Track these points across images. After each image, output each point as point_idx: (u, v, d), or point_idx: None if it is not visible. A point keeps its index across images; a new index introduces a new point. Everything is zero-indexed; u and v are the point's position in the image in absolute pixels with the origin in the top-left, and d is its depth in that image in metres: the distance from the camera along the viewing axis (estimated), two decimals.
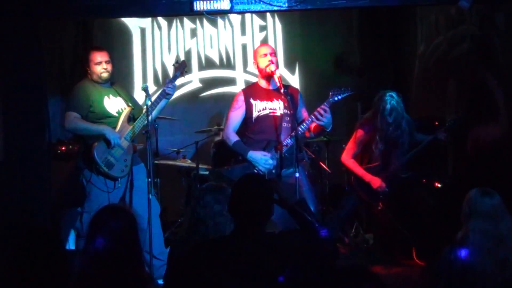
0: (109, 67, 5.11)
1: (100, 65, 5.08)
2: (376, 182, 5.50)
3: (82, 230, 4.98)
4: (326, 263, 3.07)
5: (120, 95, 5.18)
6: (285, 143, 4.89)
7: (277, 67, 5.03)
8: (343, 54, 7.55)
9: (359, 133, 5.60)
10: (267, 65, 4.99)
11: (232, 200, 3.03)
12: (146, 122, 4.88)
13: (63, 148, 6.32)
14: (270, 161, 4.89)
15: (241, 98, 5.10)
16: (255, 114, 5.02)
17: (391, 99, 5.41)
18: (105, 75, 5.10)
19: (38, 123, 5.52)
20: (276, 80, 4.93)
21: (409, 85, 6.96)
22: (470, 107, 5.81)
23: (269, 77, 5.05)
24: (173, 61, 5.58)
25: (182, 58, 7.50)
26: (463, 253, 3.29)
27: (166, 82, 5.16)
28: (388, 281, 4.49)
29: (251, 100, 5.06)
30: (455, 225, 3.46)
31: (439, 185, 5.95)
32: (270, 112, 5.02)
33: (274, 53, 5.08)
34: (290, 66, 7.62)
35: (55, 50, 6.97)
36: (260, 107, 5.03)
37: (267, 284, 2.75)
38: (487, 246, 3.27)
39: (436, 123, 5.94)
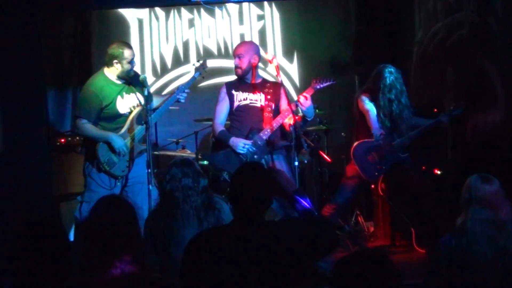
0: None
1: (131, 63, 5.10)
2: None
3: (80, 219, 5.02)
4: (326, 251, 3.08)
5: (133, 91, 5.19)
6: (264, 137, 5.04)
7: (243, 65, 5.15)
8: (341, 41, 7.53)
9: (365, 95, 5.54)
10: None
11: (232, 188, 3.04)
12: (145, 113, 4.90)
13: (63, 140, 6.34)
14: (248, 146, 5.03)
15: (224, 90, 5.30)
16: (236, 103, 5.21)
17: (390, 75, 5.41)
18: (132, 73, 5.14)
19: (37, 115, 5.54)
20: (254, 75, 5.15)
21: (407, 72, 6.94)
22: (468, 93, 5.82)
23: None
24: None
25: (180, 48, 7.50)
26: (461, 240, 3.29)
27: (179, 88, 5.17)
28: None
29: (233, 91, 5.25)
30: (455, 212, 3.45)
31: (439, 172, 5.95)
32: (250, 103, 5.19)
33: (240, 54, 5.17)
34: (288, 54, 7.61)
35: (53, 43, 6.96)
36: (241, 97, 5.22)
37: (268, 272, 2.76)
38: (487, 233, 3.23)
39: (435, 110, 5.93)
